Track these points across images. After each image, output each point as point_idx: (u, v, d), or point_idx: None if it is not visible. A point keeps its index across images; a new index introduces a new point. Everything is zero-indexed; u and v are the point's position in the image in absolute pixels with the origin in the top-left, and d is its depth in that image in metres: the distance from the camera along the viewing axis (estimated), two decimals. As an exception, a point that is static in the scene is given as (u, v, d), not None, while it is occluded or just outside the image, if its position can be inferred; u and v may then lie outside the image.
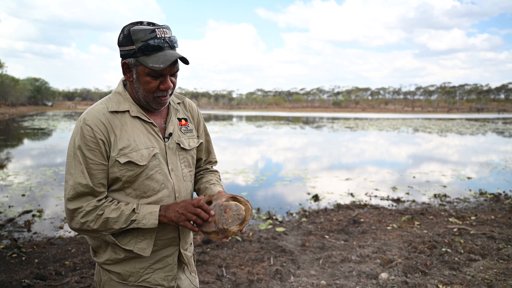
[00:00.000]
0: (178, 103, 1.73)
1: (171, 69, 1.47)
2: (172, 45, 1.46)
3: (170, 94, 1.56)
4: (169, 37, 1.46)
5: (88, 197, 1.46)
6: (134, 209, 1.46)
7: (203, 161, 1.85)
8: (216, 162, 1.91)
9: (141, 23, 1.46)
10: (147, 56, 1.42)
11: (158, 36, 1.42)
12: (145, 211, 1.47)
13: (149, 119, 1.55)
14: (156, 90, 1.49)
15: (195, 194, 1.79)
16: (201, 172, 1.85)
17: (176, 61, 1.48)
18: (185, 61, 1.48)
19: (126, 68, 1.50)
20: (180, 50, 1.54)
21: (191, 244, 1.79)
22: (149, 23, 1.47)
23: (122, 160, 1.46)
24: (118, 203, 1.49)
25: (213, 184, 1.72)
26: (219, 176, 1.87)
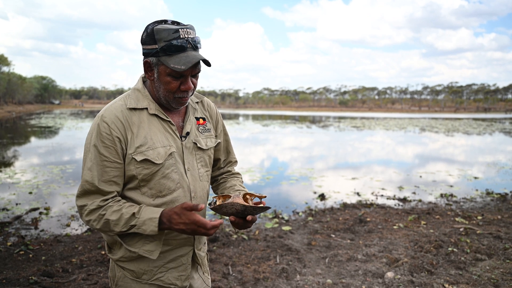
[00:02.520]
0: (197, 102, 1.71)
1: (193, 71, 1.46)
2: (195, 45, 1.44)
3: (191, 95, 1.54)
4: (192, 37, 1.43)
5: (94, 195, 1.45)
6: (134, 213, 1.43)
7: (222, 161, 1.82)
8: (236, 162, 1.88)
9: (165, 21, 1.45)
10: (169, 56, 1.41)
11: (181, 36, 1.40)
12: (145, 216, 1.42)
13: (167, 118, 1.54)
14: (177, 91, 1.47)
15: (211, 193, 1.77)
16: (224, 176, 1.82)
17: (198, 63, 1.46)
18: (207, 63, 1.47)
19: (147, 66, 1.49)
20: (202, 51, 1.52)
21: (204, 243, 1.77)
22: (173, 22, 1.45)
23: (139, 158, 1.46)
24: (121, 204, 1.46)
25: (238, 191, 1.67)
26: (242, 179, 1.85)
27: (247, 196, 1.50)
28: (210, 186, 1.86)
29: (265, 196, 1.52)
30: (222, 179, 1.81)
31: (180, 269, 1.61)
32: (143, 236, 1.51)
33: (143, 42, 1.47)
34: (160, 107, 1.55)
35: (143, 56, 1.50)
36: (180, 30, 1.40)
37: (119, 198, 1.50)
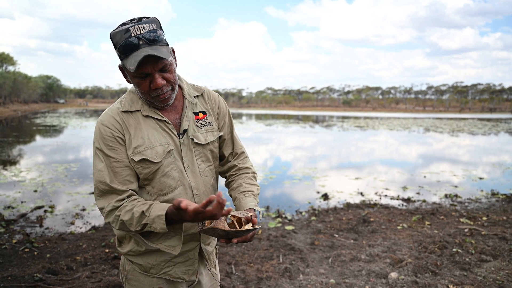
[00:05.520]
0: (196, 96, 1.66)
1: (154, 67, 1.39)
2: (149, 40, 1.37)
3: (172, 89, 1.49)
4: (146, 32, 1.36)
5: (111, 195, 1.45)
6: (143, 212, 1.40)
7: (229, 155, 1.75)
8: (243, 153, 1.78)
9: (123, 24, 1.40)
10: (126, 58, 1.39)
11: (132, 34, 1.35)
12: (154, 213, 1.39)
13: (162, 117, 1.52)
14: (149, 90, 1.44)
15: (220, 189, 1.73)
16: (231, 173, 1.76)
17: (153, 59, 1.37)
18: (158, 57, 1.37)
19: (122, 72, 1.50)
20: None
21: (214, 238, 1.77)
22: (132, 20, 1.40)
23: (137, 158, 1.46)
24: (134, 203, 1.44)
25: (243, 193, 1.63)
26: (252, 173, 1.75)
27: (231, 218, 1.43)
28: (224, 181, 1.82)
29: (252, 215, 1.43)
30: (230, 177, 1.76)
31: (187, 264, 1.63)
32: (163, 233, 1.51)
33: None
34: (154, 106, 1.54)
35: None
36: (130, 28, 1.35)
37: (136, 196, 1.48)
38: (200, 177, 1.60)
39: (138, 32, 1.36)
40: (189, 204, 1.27)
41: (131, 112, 1.51)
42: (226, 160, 1.76)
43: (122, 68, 1.48)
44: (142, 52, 1.35)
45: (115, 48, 1.41)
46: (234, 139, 1.77)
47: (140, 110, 1.52)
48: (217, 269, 1.82)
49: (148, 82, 1.42)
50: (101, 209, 1.47)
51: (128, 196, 1.47)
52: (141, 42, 1.36)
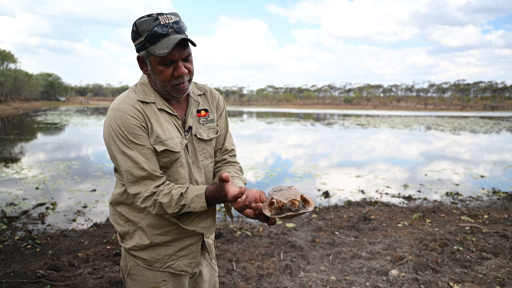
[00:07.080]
0: (199, 95, 1.71)
1: (181, 54, 1.44)
2: (177, 29, 1.44)
3: (189, 80, 1.54)
4: (174, 21, 1.44)
5: (146, 181, 1.47)
6: (182, 193, 1.46)
7: (219, 150, 1.78)
8: (233, 150, 1.81)
9: (149, 15, 1.46)
10: (154, 44, 1.42)
11: (161, 23, 1.41)
12: (192, 194, 1.47)
13: (174, 112, 1.56)
14: (172, 78, 1.47)
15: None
16: (219, 164, 1.78)
17: (183, 44, 1.44)
18: (192, 43, 1.45)
19: (141, 62, 1.52)
20: (192, 39, 1.52)
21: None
22: (158, 14, 1.45)
23: (159, 148, 1.49)
24: (171, 186, 1.49)
25: (232, 177, 1.63)
26: (240, 167, 1.78)
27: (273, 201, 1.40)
28: None
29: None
30: (218, 168, 1.78)
31: (190, 257, 1.67)
32: (197, 215, 1.56)
33: (133, 39, 1.48)
34: (165, 101, 1.57)
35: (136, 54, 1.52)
36: (159, 17, 1.42)
37: (169, 182, 1.53)
38: (204, 173, 1.65)
39: (167, 21, 1.42)
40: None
41: (146, 103, 1.54)
42: (215, 155, 1.80)
43: (142, 58, 1.50)
44: (176, 37, 1.40)
45: (140, 35, 1.43)
46: (228, 135, 1.82)
47: (155, 102, 1.54)
48: (215, 260, 1.89)
49: (172, 70, 1.46)
50: (135, 195, 1.49)
51: (163, 182, 1.51)
52: (170, 30, 1.42)
